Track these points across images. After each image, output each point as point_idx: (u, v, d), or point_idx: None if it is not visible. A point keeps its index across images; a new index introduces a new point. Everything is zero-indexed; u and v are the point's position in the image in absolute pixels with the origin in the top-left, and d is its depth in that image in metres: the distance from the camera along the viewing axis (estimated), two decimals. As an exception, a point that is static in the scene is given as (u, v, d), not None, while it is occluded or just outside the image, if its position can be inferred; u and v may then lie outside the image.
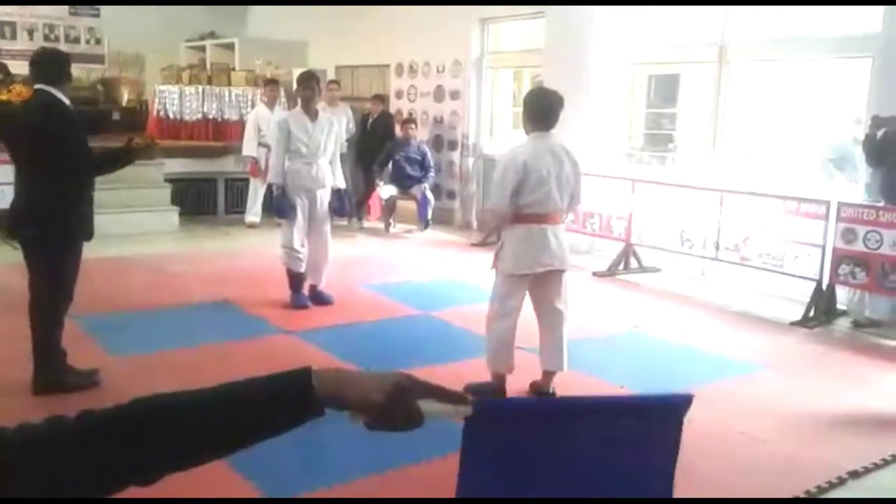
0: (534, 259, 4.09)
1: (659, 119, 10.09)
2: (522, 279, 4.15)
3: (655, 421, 1.19)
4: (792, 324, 6.04)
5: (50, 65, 4.16)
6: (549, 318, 4.27)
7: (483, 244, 7.96)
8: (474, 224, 9.89)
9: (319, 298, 6.07)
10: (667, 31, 8.34)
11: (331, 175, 6.01)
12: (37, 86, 4.14)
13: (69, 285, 4.19)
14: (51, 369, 4.14)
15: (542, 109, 4.15)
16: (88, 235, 4.23)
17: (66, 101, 4.17)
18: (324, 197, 5.98)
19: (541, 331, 4.29)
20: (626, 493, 1.17)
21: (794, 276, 6.28)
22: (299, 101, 5.99)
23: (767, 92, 8.02)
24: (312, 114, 5.90)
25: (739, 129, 7.78)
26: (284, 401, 0.98)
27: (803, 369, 5.10)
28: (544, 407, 1.46)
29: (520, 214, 4.06)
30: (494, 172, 4.26)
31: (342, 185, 6.20)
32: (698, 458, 3.69)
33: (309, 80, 5.96)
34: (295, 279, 5.99)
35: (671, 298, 6.80)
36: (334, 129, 6.05)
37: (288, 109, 10.34)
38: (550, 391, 4.31)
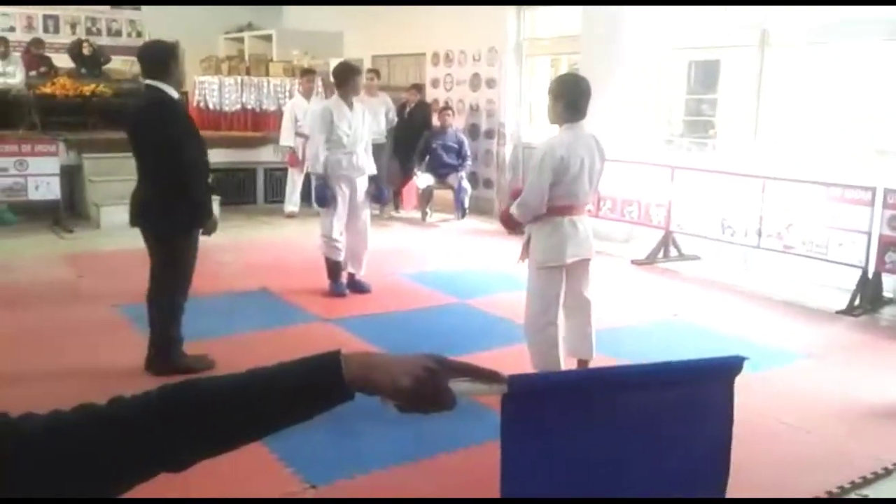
0: (564, 249, 4.05)
1: (699, 105, 9.92)
2: (557, 270, 4.10)
3: (705, 386, 1.13)
4: (837, 312, 5.92)
5: (150, 60, 4.23)
6: (578, 307, 4.22)
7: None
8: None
9: (357, 287, 6.11)
10: (707, 15, 8.19)
11: (368, 163, 6.05)
12: (145, 81, 4.25)
13: (184, 274, 4.33)
14: (166, 353, 4.29)
15: (579, 98, 3.98)
16: (207, 226, 4.35)
17: (174, 95, 4.25)
18: (362, 185, 6.02)
19: (568, 319, 4.24)
20: (677, 468, 1.12)
21: (838, 263, 6.15)
22: (337, 91, 6.00)
23: (811, 76, 7.83)
24: (350, 104, 5.93)
25: (782, 114, 7.62)
26: (314, 385, 0.96)
27: (848, 359, 5.00)
28: (586, 380, 1.34)
29: (549, 206, 4.01)
30: (531, 167, 4.13)
31: (374, 171, 6.24)
32: (739, 448, 3.62)
33: (349, 71, 5.99)
34: (333, 268, 6.03)
35: (712, 287, 6.71)
36: (367, 117, 6.13)
37: (325, 99, 10.44)
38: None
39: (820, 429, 3.90)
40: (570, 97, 3.96)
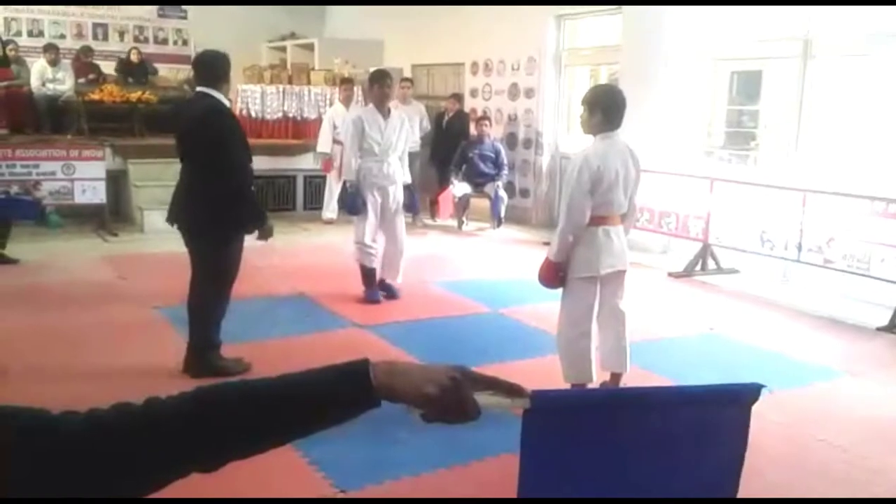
0: (599, 260, 4.03)
1: (740, 116, 9.82)
2: (591, 281, 4.09)
3: (722, 410, 1.15)
4: (878, 329, 5.81)
5: (205, 68, 4.36)
6: (612, 319, 4.20)
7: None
8: (548, 238, 9.84)
9: (387, 290, 6.16)
10: (749, 25, 8.11)
11: (402, 171, 6.08)
12: (198, 88, 4.37)
13: (225, 277, 4.42)
14: (204, 356, 4.37)
15: (614, 109, 3.98)
16: (263, 230, 4.47)
17: (225, 102, 4.37)
18: (396, 193, 6.07)
19: (602, 331, 4.21)
20: (688, 489, 1.14)
21: (880, 279, 6.03)
22: (373, 99, 6.05)
23: (854, 88, 7.71)
24: (385, 112, 5.95)
25: (824, 126, 7.50)
26: (343, 392, 0.99)
27: (887, 377, 4.90)
28: (607, 398, 1.39)
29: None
30: (567, 181, 4.07)
31: (409, 180, 6.31)
32: (772, 464, 3.61)
33: (381, 79, 5.97)
34: (368, 274, 6.09)
35: (750, 301, 6.63)
36: (405, 126, 6.12)
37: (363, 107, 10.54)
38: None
39: (856, 447, 3.83)
40: (606, 108, 3.96)
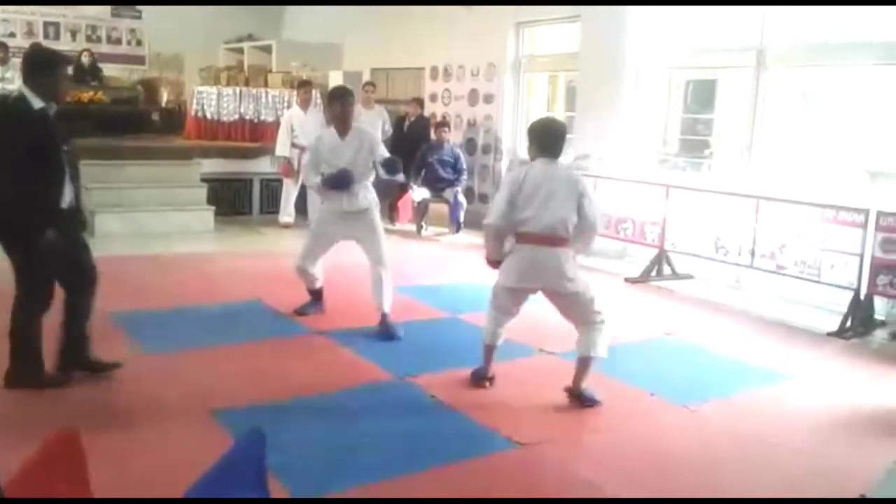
0: (512, 275, 4.24)
1: (695, 125, 9.97)
2: (505, 290, 4.33)
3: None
4: (828, 334, 5.93)
5: (23, 63, 4.13)
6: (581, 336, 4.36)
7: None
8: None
9: (385, 331, 5.37)
10: (704, 35, 8.26)
11: (366, 196, 5.47)
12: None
13: (32, 282, 4.08)
14: (21, 365, 4.11)
15: (551, 140, 4.26)
16: (56, 232, 4.00)
17: (31, 100, 3.98)
18: (363, 218, 5.46)
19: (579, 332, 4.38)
20: None
21: (830, 285, 6.17)
22: (332, 118, 5.54)
23: (806, 98, 7.89)
24: (344, 132, 5.40)
25: (777, 135, 7.66)
26: None
27: (839, 380, 5.01)
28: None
29: (516, 232, 4.21)
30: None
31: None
32: (730, 465, 3.66)
33: (342, 97, 5.45)
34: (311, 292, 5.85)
35: (705, 306, 6.72)
36: (365, 145, 5.40)
37: (322, 111, 10.47)
38: (582, 393, 4.29)
39: (810, 449, 3.91)
40: (540, 140, 4.26)
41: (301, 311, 5.78)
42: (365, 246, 5.50)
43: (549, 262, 4.13)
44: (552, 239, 4.12)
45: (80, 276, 4.25)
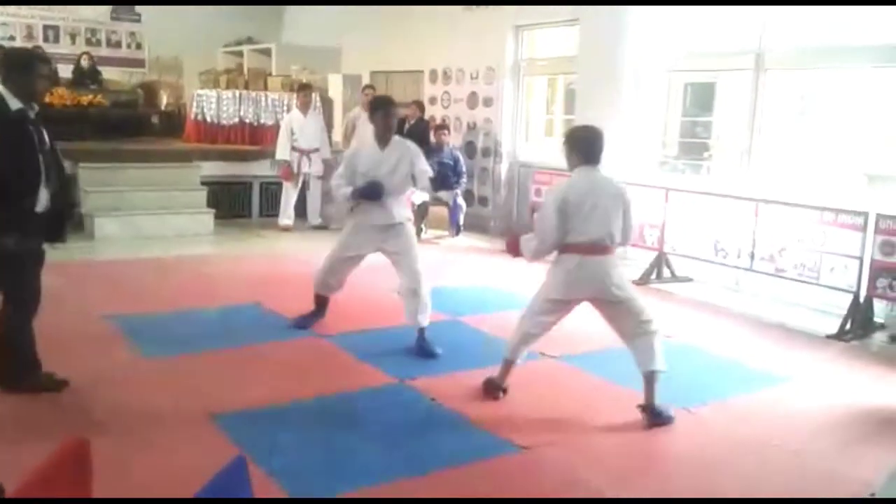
0: (563, 288, 4.15)
1: (694, 127, 10.00)
2: (554, 303, 4.22)
3: None
4: (828, 337, 5.93)
5: (0, 64, 3.96)
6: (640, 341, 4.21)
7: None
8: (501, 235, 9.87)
9: (421, 348, 5.13)
10: (703, 38, 8.27)
11: (400, 211, 5.27)
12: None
13: (13, 287, 4.00)
14: (16, 369, 4.09)
15: (591, 148, 4.23)
16: (21, 237, 3.90)
17: (9, 101, 3.87)
18: (397, 234, 5.26)
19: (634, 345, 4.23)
20: None
21: (830, 287, 6.17)
22: (374, 129, 5.21)
23: (806, 101, 7.91)
24: (385, 142, 5.15)
25: (776, 138, 7.68)
26: None
27: (838, 383, 5.01)
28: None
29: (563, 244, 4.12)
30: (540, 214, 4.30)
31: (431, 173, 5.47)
32: (729, 466, 3.66)
33: (384, 105, 5.19)
34: (318, 299, 5.63)
35: (704, 308, 6.72)
36: (406, 158, 5.18)
37: (322, 114, 10.47)
38: (654, 409, 4.12)
39: (810, 451, 3.91)
40: (584, 148, 4.22)
41: (301, 325, 5.53)
42: (399, 260, 5.24)
43: (597, 270, 4.08)
44: (599, 248, 4.09)
45: (27, 292, 4.07)
